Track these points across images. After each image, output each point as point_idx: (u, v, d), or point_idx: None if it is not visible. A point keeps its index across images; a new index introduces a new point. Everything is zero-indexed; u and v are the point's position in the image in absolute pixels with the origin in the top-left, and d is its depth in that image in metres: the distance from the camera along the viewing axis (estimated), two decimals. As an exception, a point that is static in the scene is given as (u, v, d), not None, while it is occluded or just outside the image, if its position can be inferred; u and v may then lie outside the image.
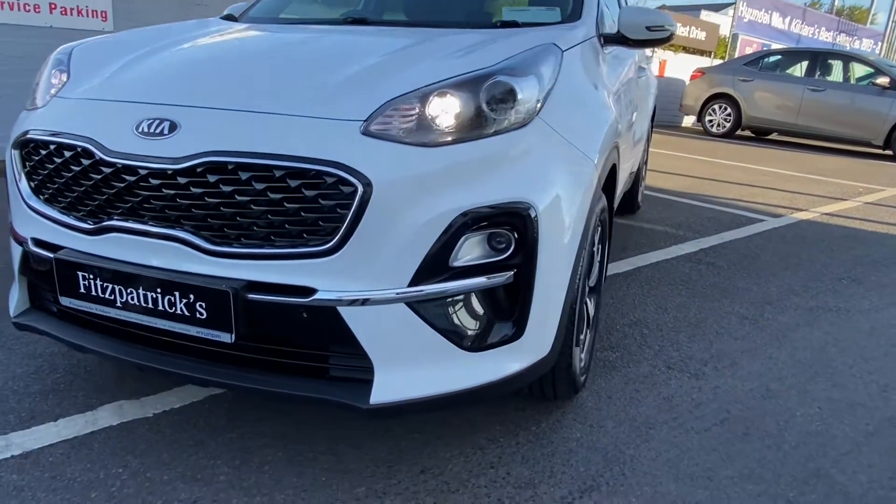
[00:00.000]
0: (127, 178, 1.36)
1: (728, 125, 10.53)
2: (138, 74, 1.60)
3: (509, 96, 1.41)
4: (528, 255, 1.38)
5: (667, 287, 3.00)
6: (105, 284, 1.40)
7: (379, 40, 1.90)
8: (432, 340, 1.35)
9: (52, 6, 4.85)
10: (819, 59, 10.22)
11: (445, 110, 1.36)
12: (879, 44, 17.84)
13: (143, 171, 1.34)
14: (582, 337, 1.85)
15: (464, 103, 1.37)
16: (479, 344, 1.40)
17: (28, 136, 1.53)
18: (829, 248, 3.99)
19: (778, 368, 2.25)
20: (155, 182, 1.34)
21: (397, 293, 1.31)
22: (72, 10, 4.97)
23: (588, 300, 1.92)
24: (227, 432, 1.68)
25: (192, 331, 1.35)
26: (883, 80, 9.40)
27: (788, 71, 10.34)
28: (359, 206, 1.26)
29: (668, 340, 2.41)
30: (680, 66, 12.26)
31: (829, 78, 10.08)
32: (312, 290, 1.30)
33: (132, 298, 1.38)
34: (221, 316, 1.31)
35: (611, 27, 2.23)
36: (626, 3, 3.23)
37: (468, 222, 1.32)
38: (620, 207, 4.01)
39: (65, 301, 1.47)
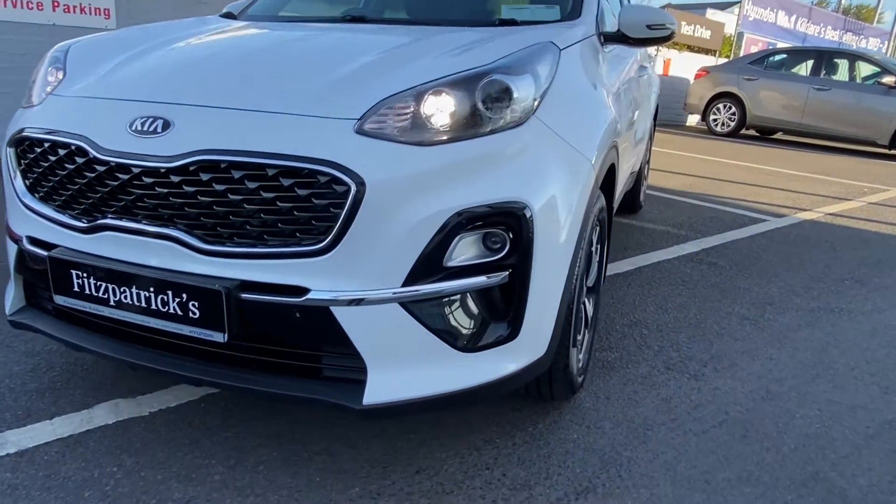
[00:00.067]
0: (120, 176, 1.36)
1: (732, 124, 10.48)
2: (133, 72, 1.60)
3: (505, 95, 1.40)
4: (524, 255, 1.37)
5: (667, 287, 2.99)
6: (99, 283, 1.39)
7: (376, 38, 1.90)
8: (426, 341, 1.34)
9: (55, 4, 4.86)
10: (825, 58, 10.16)
11: (440, 109, 1.35)
12: (886, 43, 17.75)
13: (136, 170, 1.34)
14: (579, 337, 1.84)
15: (459, 102, 1.36)
16: (473, 344, 1.40)
17: (23, 133, 1.53)
18: (832, 248, 3.97)
19: (778, 370, 2.23)
20: (148, 181, 1.34)
21: (391, 293, 1.30)
22: (74, 7, 4.98)
23: (586, 300, 1.91)
24: (223, 431, 1.67)
25: (185, 330, 1.35)
26: (889, 80, 9.33)
27: (794, 70, 10.28)
28: (352, 206, 1.25)
29: (668, 341, 2.39)
30: (684, 65, 12.22)
31: (834, 77, 10.02)
32: (305, 290, 1.30)
33: (125, 297, 1.38)
34: (214, 315, 1.31)
35: (612, 25, 2.22)
36: (629, 1, 3.21)
37: (463, 222, 1.31)
38: (622, 207, 4.00)
39: (59, 300, 1.47)
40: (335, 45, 1.82)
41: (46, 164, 1.47)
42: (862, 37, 17.30)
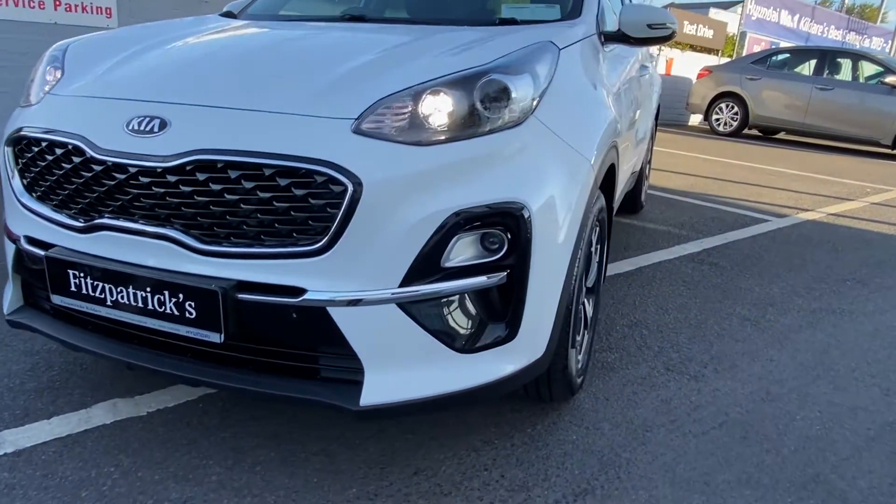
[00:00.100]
0: (117, 176, 1.35)
1: (735, 124, 10.45)
2: (131, 72, 1.59)
3: (503, 95, 1.39)
4: (522, 255, 1.36)
5: (668, 287, 2.98)
6: (95, 283, 1.39)
7: (375, 37, 1.89)
8: (423, 342, 1.33)
9: (57, 3, 4.85)
10: (828, 57, 10.13)
11: (438, 108, 1.35)
12: (889, 42, 17.68)
13: (132, 170, 1.33)
14: (579, 338, 1.83)
15: (457, 102, 1.35)
16: (471, 345, 1.39)
17: (21, 133, 1.52)
18: (834, 249, 3.95)
19: (779, 371, 2.22)
20: (145, 180, 1.33)
21: (388, 294, 1.29)
22: (76, 6, 4.98)
23: (586, 301, 1.90)
24: (221, 431, 1.67)
25: (182, 330, 1.34)
26: (892, 79, 9.29)
27: (796, 70, 10.25)
28: (349, 206, 1.24)
29: (668, 342, 2.38)
30: (687, 65, 12.19)
31: (837, 77, 9.99)
32: (302, 291, 1.29)
33: (122, 297, 1.37)
34: (210, 316, 1.30)
35: (613, 25, 2.21)
36: (630, 0, 3.20)
37: (460, 222, 1.30)
38: (623, 206, 3.99)
39: (56, 299, 1.46)
40: (334, 44, 1.81)
41: (44, 164, 1.47)
42: (865, 36, 17.25)
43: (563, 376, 1.71)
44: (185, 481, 1.48)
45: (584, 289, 1.83)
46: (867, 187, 6.53)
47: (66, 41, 1.84)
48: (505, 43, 1.62)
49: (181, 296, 1.31)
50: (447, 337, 1.36)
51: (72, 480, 1.46)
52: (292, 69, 1.56)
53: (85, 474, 1.49)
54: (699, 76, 10.94)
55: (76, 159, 1.40)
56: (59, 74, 1.67)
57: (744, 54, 12.80)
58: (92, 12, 5.07)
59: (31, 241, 1.53)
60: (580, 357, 1.87)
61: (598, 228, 1.89)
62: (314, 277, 1.29)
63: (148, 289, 1.34)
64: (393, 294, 1.29)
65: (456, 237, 1.30)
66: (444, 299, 1.34)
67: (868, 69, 9.85)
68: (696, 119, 12.25)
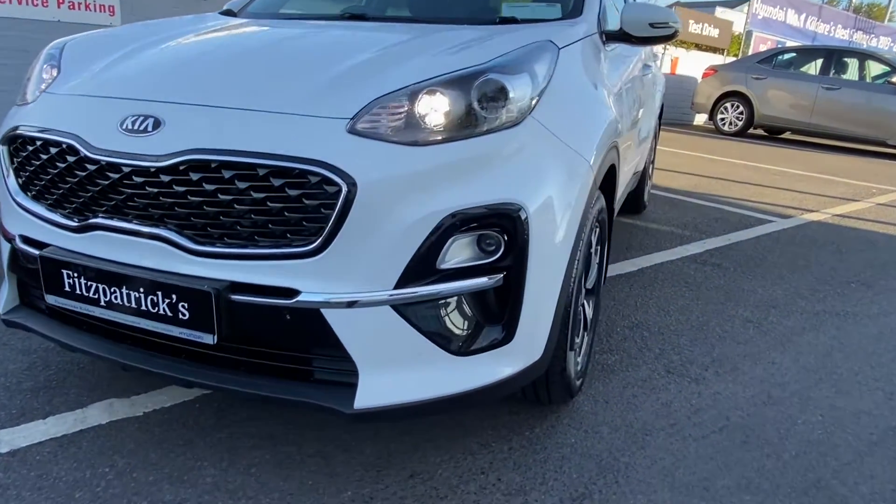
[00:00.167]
0: (111, 175, 1.34)
1: (740, 124, 10.40)
2: (127, 70, 1.58)
3: (501, 94, 1.38)
4: (519, 257, 1.35)
5: (670, 289, 2.95)
6: (89, 283, 1.38)
7: (374, 36, 1.87)
8: (418, 344, 1.32)
9: (60, 0, 4.86)
10: (834, 56, 10.06)
11: (435, 108, 1.33)
12: (897, 42, 17.58)
13: (126, 169, 1.32)
14: (578, 340, 1.81)
15: (454, 101, 1.34)
16: (467, 348, 1.37)
17: (16, 131, 1.51)
18: (839, 250, 3.92)
19: (781, 374, 2.20)
20: (138, 180, 1.32)
21: (382, 295, 1.28)
22: (79, 4, 4.98)
23: (585, 302, 1.89)
24: (217, 432, 1.66)
25: (175, 331, 1.33)
26: (899, 79, 9.24)
27: (803, 69, 10.19)
28: (343, 207, 1.23)
29: (669, 344, 2.36)
30: (692, 64, 12.14)
31: (844, 76, 9.93)
32: (296, 292, 1.28)
33: (116, 298, 1.36)
34: (203, 317, 1.29)
35: (615, 24, 2.18)
36: None
37: (457, 223, 1.29)
38: (626, 207, 3.96)
39: (50, 299, 1.46)
40: (332, 43, 1.80)
41: (38, 163, 1.46)
42: (873, 35, 17.14)
43: (561, 379, 1.69)
44: (180, 483, 1.47)
45: (584, 290, 1.82)
46: (873, 188, 6.48)
47: (63, 39, 1.84)
48: (504, 42, 1.60)
49: (174, 297, 1.30)
50: (443, 339, 1.34)
51: (66, 481, 1.46)
52: (289, 68, 1.55)
53: (80, 475, 1.48)
54: (704, 75, 10.89)
55: (70, 158, 1.40)
56: (55, 73, 1.66)
57: (749, 53, 12.73)
58: (95, 10, 5.07)
59: (26, 240, 1.52)
60: (579, 359, 1.85)
61: (598, 229, 1.88)
62: (308, 279, 1.27)
63: (141, 289, 1.33)
64: (388, 296, 1.28)
65: (452, 238, 1.29)
66: (440, 301, 1.32)
67: (875, 69, 9.79)
68: (701, 119, 12.20)
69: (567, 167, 1.50)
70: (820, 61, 10.07)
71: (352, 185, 1.23)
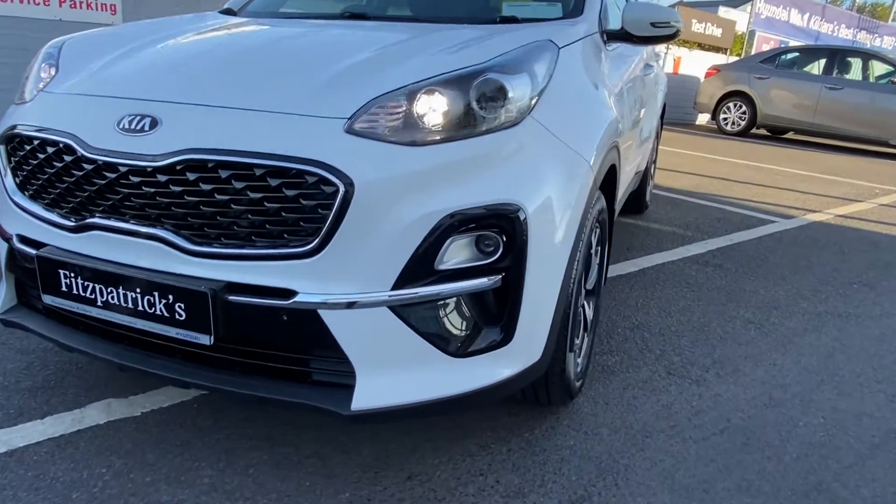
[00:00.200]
0: (108, 175, 1.34)
1: (743, 124, 10.37)
2: (125, 70, 1.58)
3: (500, 94, 1.37)
4: (517, 258, 1.34)
5: (672, 289, 2.94)
6: (86, 283, 1.37)
7: (374, 35, 1.87)
8: (416, 345, 1.31)
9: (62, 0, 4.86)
10: (837, 56, 10.02)
11: (433, 108, 1.32)
12: (901, 41, 17.51)
13: (123, 169, 1.32)
14: (578, 341, 1.80)
15: (452, 101, 1.33)
16: (465, 349, 1.36)
17: (14, 131, 1.51)
18: (841, 251, 3.90)
19: (782, 376, 2.19)
20: (135, 179, 1.32)
21: (380, 296, 1.27)
22: (81, 3, 4.98)
23: (585, 304, 1.88)
24: (214, 433, 1.65)
25: (172, 332, 1.33)
26: (903, 79, 9.20)
27: (806, 69, 10.15)
28: (340, 207, 1.22)
29: (670, 345, 2.35)
30: (695, 63, 12.11)
31: (847, 76, 9.89)
32: (293, 293, 1.27)
33: (112, 298, 1.36)
34: (200, 317, 1.29)
35: (617, 23, 2.17)
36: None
37: (455, 224, 1.28)
38: (627, 207, 3.95)
39: (47, 299, 1.45)
40: (332, 42, 1.79)
41: (35, 162, 1.46)
42: (876, 35, 17.08)
43: (561, 380, 1.68)
44: (177, 483, 1.46)
45: (584, 291, 1.81)
46: (876, 188, 6.45)
47: (61, 38, 1.83)
48: (503, 41, 1.59)
49: (171, 297, 1.30)
50: (441, 340, 1.34)
51: (63, 482, 1.45)
52: (287, 67, 1.54)
53: (76, 475, 1.47)
54: (707, 75, 10.86)
55: (67, 158, 1.39)
56: (53, 72, 1.66)
57: (752, 53, 12.70)
58: (97, 9, 5.08)
59: (24, 239, 1.52)
60: (579, 360, 1.84)
61: (598, 230, 1.87)
62: (305, 279, 1.26)
63: (138, 290, 1.33)
64: (385, 297, 1.27)
65: (450, 239, 1.28)
66: (438, 302, 1.31)
67: (878, 69, 9.74)
68: (703, 118, 12.17)
69: (567, 167, 1.49)
70: (823, 61, 10.03)
71: (349, 185, 1.22)
